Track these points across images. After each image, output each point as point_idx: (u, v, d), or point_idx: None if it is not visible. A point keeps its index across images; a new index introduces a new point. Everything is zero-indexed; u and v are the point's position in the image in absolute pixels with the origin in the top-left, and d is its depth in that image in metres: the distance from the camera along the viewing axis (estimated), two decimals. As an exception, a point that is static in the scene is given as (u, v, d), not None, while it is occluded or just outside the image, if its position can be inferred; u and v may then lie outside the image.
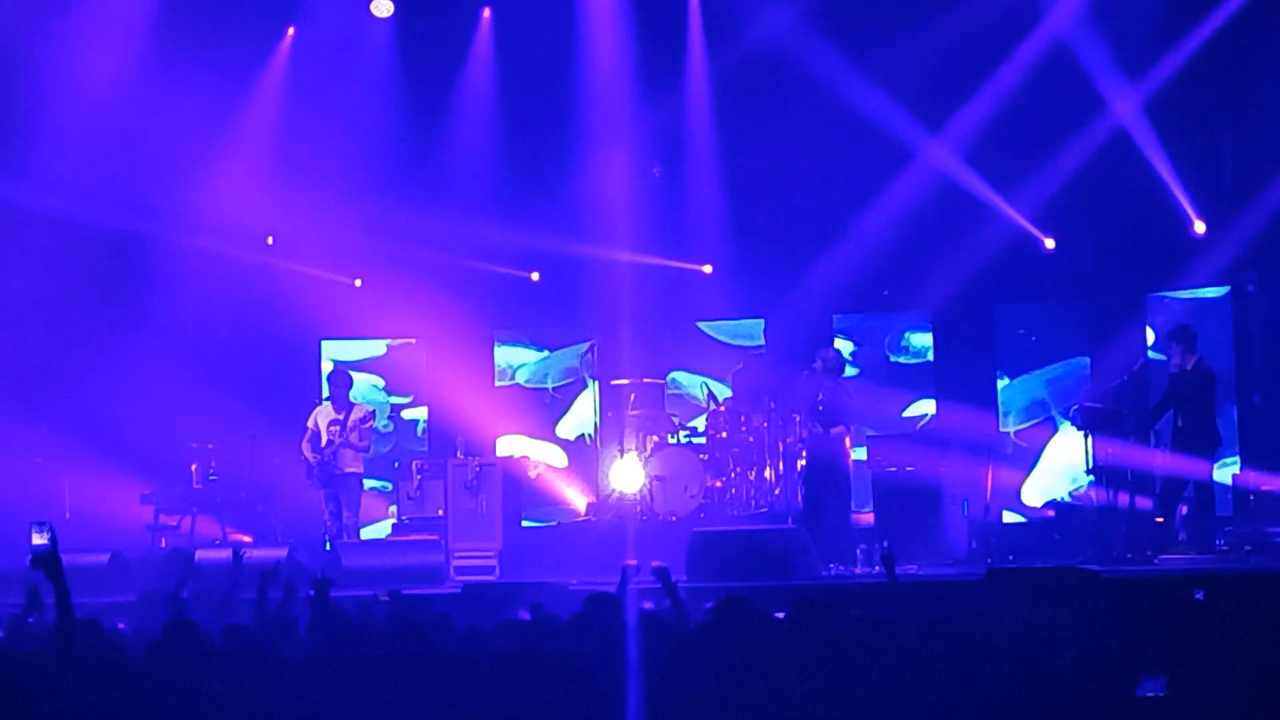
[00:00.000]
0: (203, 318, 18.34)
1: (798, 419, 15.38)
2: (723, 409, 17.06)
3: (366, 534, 17.41)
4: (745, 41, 17.81)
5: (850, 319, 18.80)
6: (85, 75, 17.33)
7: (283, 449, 16.88)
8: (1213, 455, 14.56)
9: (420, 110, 18.85)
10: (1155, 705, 5.49)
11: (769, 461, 16.46)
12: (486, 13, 18.88)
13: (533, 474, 18.73)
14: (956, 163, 17.37)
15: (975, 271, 17.78)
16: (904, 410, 18.40)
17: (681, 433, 17.42)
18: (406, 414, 19.66)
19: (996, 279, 17.92)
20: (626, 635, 6.57)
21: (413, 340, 19.72)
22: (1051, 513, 17.01)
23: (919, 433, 17.34)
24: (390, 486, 18.11)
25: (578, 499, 18.61)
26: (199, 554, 14.77)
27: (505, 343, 19.78)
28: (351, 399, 16.49)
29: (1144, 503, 14.42)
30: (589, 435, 18.93)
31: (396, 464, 18.29)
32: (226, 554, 14.34)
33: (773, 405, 16.38)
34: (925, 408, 18.42)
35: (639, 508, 16.69)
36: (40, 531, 6.27)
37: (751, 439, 16.65)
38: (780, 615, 7.41)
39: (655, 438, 17.18)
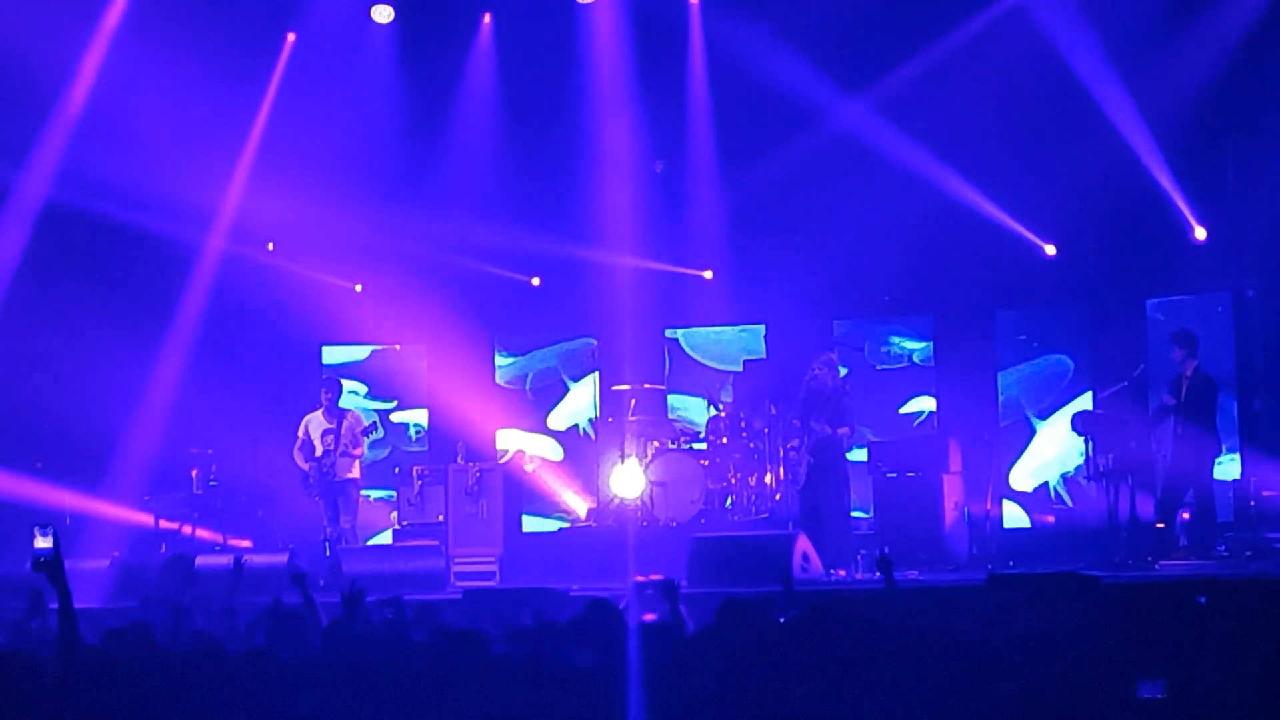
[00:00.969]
0: (204, 323, 18.34)
1: (797, 423, 15.36)
2: (723, 414, 17.07)
3: (372, 544, 17.44)
4: (746, 46, 17.82)
5: (850, 324, 18.79)
6: (85, 74, 17.38)
7: (283, 454, 16.89)
8: (1213, 461, 14.57)
9: (420, 115, 18.85)
10: (1156, 710, 5.49)
11: (770, 467, 16.47)
12: (487, 18, 18.89)
13: (529, 468, 18.80)
14: (957, 167, 17.36)
15: (977, 277, 17.80)
16: (900, 407, 18.40)
17: (682, 439, 17.45)
18: (395, 417, 19.68)
19: (997, 285, 17.93)
20: (628, 641, 6.58)
21: (397, 346, 19.77)
22: (1052, 519, 17.03)
23: (920, 438, 17.33)
24: (395, 495, 18.13)
25: (575, 499, 18.65)
26: (199, 559, 14.80)
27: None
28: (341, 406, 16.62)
29: (1145, 508, 14.42)
30: (582, 427, 18.98)
31: (397, 469, 18.30)
32: (227, 559, 14.38)
33: (773, 410, 16.39)
34: (921, 404, 18.43)
35: (640, 513, 16.70)
36: (44, 534, 6.27)
37: (753, 444, 16.66)
38: (781, 620, 7.42)
39: (656, 443, 17.19)
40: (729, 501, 16.75)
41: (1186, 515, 14.57)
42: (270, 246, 19.15)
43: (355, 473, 16.43)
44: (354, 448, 16.29)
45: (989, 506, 16.02)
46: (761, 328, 19.05)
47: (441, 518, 16.86)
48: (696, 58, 18.53)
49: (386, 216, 18.55)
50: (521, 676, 6.20)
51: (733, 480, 16.68)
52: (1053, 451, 17.60)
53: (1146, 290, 17.39)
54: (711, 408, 17.46)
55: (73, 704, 5.94)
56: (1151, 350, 16.50)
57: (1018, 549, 15.85)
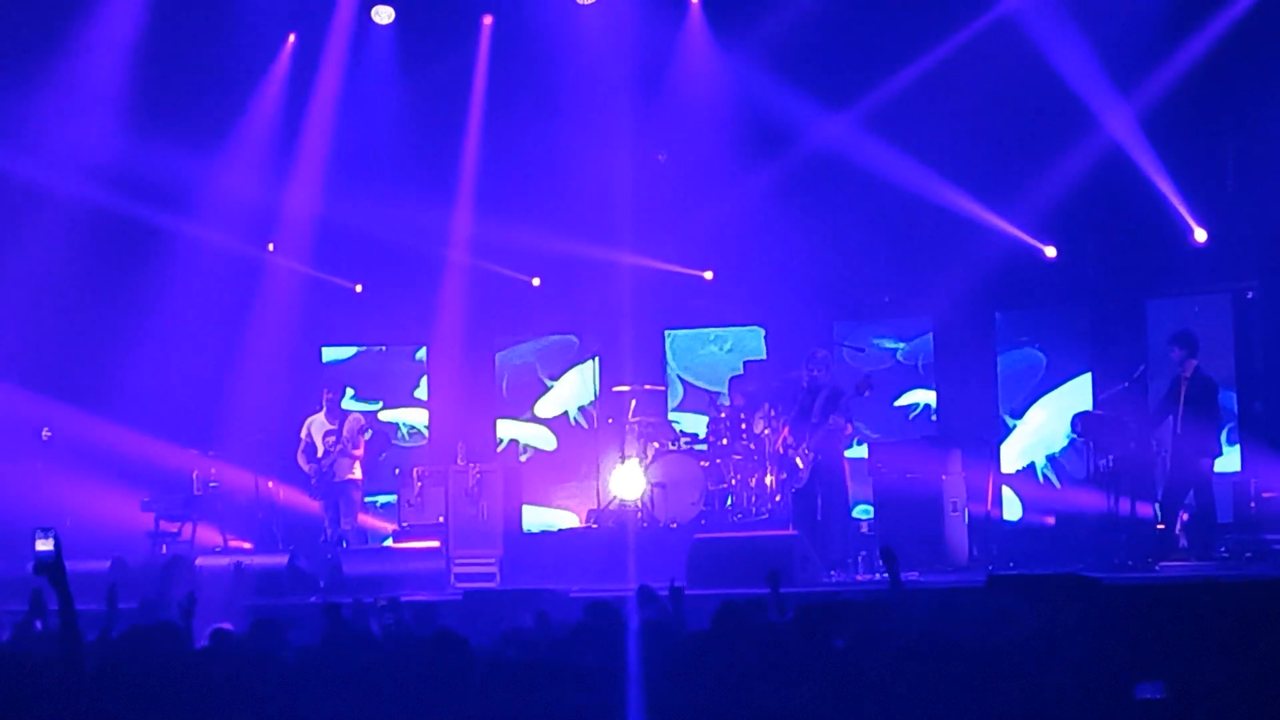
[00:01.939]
0: (204, 323, 18.35)
1: (786, 429, 15.32)
2: (724, 415, 17.06)
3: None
4: (746, 47, 17.83)
5: (850, 326, 18.79)
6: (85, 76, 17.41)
7: (283, 455, 16.90)
8: (1213, 462, 14.56)
9: (420, 115, 18.85)
10: (1156, 711, 5.50)
11: (770, 468, 16.45)
12: (488, 19, 18.89)
13: (522, 458, 18.87)
14: (957, 169, 17.36)
15: (976, 279, 17.79)
16: (895, 400, 18.42)
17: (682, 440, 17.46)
18: (384, 416, 19.69)
19: (997, 286, 17.93)
20: (628, 642, 6.58)
21: (382, 347, 19.78)
22: (1052, 520, 17.02)
23: (920, 439, 17.32)
24: (395, 498, 18.15)
25: (571, 499, 18.71)
26: (199, 561, 14.79)
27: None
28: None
29: (1145, 509, 14.42)
30: (573, 415, 19.02)
31: (397, 470, 18.32)
32: (227, 561, 14.40)
33: (773, 412, 16.37)
34: (916, 397, 18.44)
35: (640, 515, 16.70)
36: (45, 537, 6.27)
37: (752, 445, 16.65)
38: (775, 622, 7.42)
39: (656, 444, 17.19)
40: (729, 502, 16.75)
41: (1186, 516, 14.57)
42: (270, 247, 19.15)
43: (355, 474, 16.46)
44: (353, 448, 16.34)
45: (989, 507, 16.02)
46: (761, 330, 19.08)
47: (441, 518, 16.87)
48: (697, 58, 18.53)
49: (386, 216, 18.55)
50: (521, 678, 6.20)
51: (733, 481, 16.67)
52: (1035, 433, 17.66)
53: (1146, 291, 17.40)
54: (712, 408, 17.44)
55: (74, 704, 5.95)
56: (1151, 351, 16.51)
57: (1018, 550, 15.85)
